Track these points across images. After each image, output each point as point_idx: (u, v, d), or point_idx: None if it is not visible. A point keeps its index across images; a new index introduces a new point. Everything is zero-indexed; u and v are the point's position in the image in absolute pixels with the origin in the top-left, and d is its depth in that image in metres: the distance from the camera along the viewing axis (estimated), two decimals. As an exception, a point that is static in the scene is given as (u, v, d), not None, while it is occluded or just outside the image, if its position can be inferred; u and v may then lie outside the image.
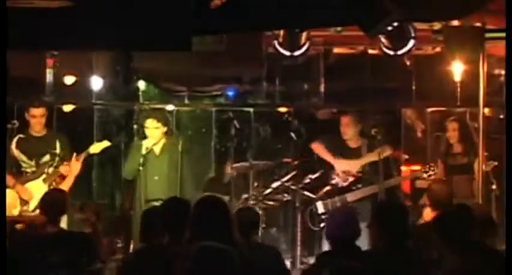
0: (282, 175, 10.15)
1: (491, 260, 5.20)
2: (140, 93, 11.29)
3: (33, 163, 9.17)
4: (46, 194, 7.43)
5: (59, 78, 10.64)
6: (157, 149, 9.06)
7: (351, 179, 9.30)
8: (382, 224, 5.68)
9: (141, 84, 11.28)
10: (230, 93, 11.44)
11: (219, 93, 11.43)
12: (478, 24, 8.40)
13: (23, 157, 9.17)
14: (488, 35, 8.44)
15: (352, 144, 9.42)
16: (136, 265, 5.98)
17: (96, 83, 10.90)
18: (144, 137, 9.14)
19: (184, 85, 11.23)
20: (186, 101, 11.32)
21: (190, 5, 7.06)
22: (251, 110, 11.16)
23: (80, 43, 7.29)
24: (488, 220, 6.42)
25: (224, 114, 11.05)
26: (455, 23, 8.41)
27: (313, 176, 9.56)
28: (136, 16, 7.12)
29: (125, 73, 11.04)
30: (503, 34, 7.81)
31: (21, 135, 9.20)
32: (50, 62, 10.49)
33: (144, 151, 8.97)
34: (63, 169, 9.09)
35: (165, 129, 9.10)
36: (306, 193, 9.59)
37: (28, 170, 9.17)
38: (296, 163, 10.07)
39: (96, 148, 9.32)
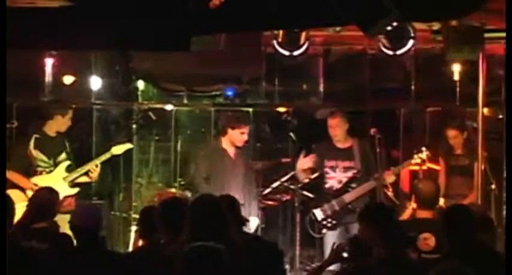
0: (281, 175, 10.14)
1: (491, 262, 5.21)
2: (139, 93, 11.30)
3: (51, 162, 9.20)
4: (35, 193, 7.37)
5: (58, 78, 10.63)
6: None
7: (311, 176, 9.29)
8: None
9: (140, 84, 11.29)
10: (229, 93, 11.44)
11: (218, 93, 11.43)
12: (477, 24, 8.41)
13: (43, 157, 9.17)
14: (487, 35, 8.45)
15: (340, 145, 9.36)
16: (135, 262, 5.99)
17: (95, 83, 10.91)
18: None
19: (183, 85, 11.24)
20: (185, 101, 11.33)
21: (189, 4, 7.06)
22: (250, 110, 11.15)
23: (79, 43, 7.29)
24: (485, 218, 6.45)
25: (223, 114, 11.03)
26: (455, 23, 8.41)
27: (313, 176, 9.54)
28: (135, 16, 7.12)
29: (123, 73, 11.04)
30: (502, 34, 7.83)
31: (36, 136, 9.21)
32: (49, 61, 10.49)
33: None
34: (91, 166, 9.21)
35: None
36: (305, 193, 9.58)
37: (47, 170, 9.17)
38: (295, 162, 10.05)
39: (118, 149, 9.45)
